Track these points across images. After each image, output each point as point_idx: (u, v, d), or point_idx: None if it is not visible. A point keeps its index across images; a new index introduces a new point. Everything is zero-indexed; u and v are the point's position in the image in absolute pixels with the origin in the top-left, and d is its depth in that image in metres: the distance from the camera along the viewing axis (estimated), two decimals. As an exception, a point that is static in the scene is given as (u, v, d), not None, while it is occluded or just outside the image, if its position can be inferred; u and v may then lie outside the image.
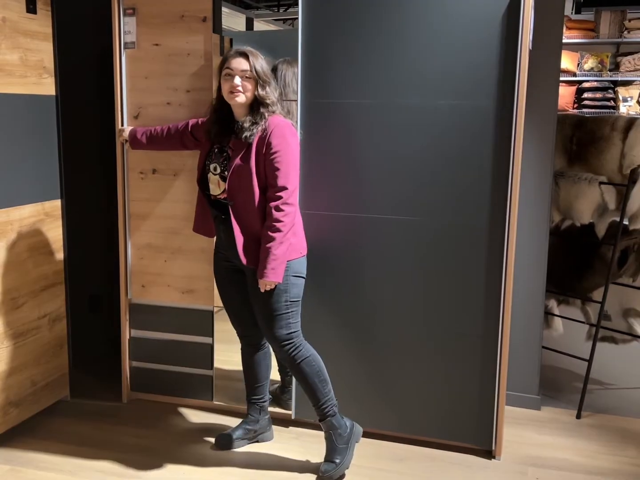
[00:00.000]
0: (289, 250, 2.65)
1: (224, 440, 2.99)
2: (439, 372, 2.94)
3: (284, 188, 2.59)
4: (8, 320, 2.94)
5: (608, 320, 3.71)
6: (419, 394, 2.98)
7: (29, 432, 3.08)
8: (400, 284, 2.91)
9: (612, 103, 6.24)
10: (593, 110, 6.17)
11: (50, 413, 3.25)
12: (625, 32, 6.10)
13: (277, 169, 2.59)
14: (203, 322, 3.25)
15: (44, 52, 3.04)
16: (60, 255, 3.23)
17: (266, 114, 2.63)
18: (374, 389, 3.01)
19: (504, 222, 2.77)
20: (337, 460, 2.75)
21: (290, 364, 2.79)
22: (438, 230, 2.84)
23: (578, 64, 6.29)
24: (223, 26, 3.18)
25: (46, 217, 3.13)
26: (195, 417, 3.25)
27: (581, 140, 3.55)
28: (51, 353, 3.22)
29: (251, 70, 2.61)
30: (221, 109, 2.72)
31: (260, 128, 2.61)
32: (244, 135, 2.62)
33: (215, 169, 2.72)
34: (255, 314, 2.81)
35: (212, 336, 3.25)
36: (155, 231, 3.26)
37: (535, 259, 3.30)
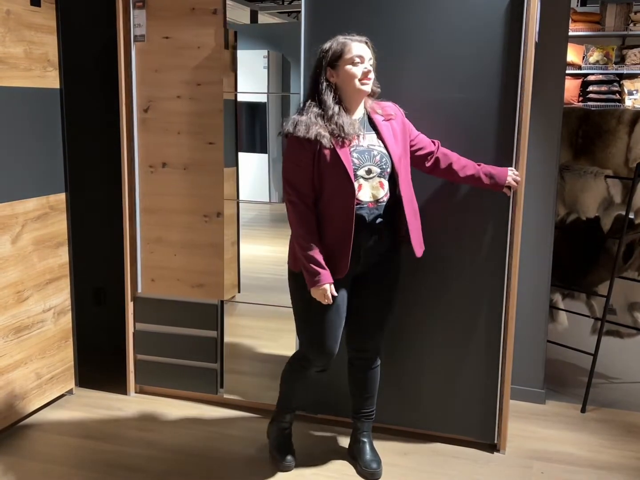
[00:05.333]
0: None
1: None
2: (443, 366, 2.94)
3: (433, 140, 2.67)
4: (13, 314, 2.94)
5: (613, 314, 3.71)
6: (423, 388, 2.98)
7: (34, 425, 3.09)
8: (403, 278, 2.89)
9: (617, 96, 6.20)
10: (598, 103, 6.13)
11: (56, 406, 3.26)
12: (631, 25, 6.05)
13: (420, 133, 2.65)
14: (209, 315, 3.25)
15: (48, 45, 3.03)
16: (65, 248, 3.23)
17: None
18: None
19: (508, 217, 2.76)
20: (379, 459, 2.78)
21: (370, 367, 2.74)
22: (443, 224, 2.84)
23: (583, 57, 6.25)
24: (227, 19, 3.16)
25: (51, 210, 3.12)
26: (201, 410, 3.27)
27: (587, 133, 3.54)
28: (56, 346, 3.22)
29: (374, 60, 2.48)
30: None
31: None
32: (385, 115, 2.53)
33: (369, 172, 2.46)
34: (372, 319, 2.66)
35: (218, 329, 3.25)
36: (165, 225, 3.24)
37: (541, 253, 3.29)
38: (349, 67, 2.42)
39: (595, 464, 2.86)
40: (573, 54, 6.11)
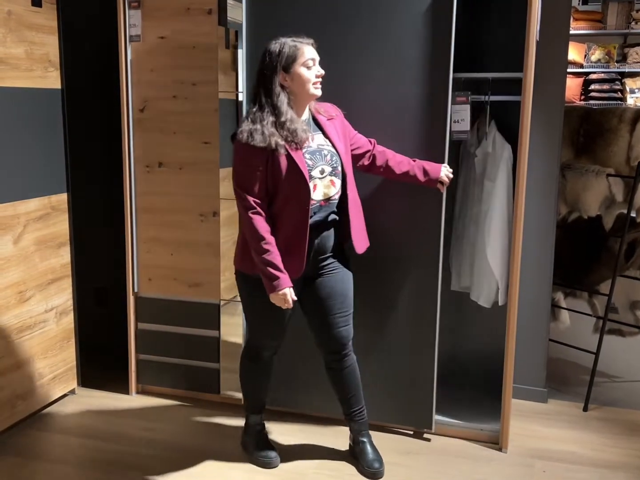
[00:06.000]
0: None
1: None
2: (380, 358, 2.94)
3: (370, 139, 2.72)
4: (15, 314, 2.95)
5: (615, 312, 3.70)
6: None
7: (37, 424, 3.10)
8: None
9: (619, 95, 6.19)
10: (600, 102, 6.12)
11: (58, 406, 3.27)
12: (633, 23, 6.04)
13: (357, 132, 2.70)
14: (209, 315, 3.25)
15: (50, 45, 3.04)
16: (67, 248, 3.24)
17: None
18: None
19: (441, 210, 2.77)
20: (381, 458, 2.77)
21: (347, 366, 2.70)
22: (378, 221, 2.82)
23: (585, 56, 6.24)
24: (228, 18, 3.16)
25: (52, 210, 3.13)
26: (202, 410, 3.27)
27: (588, 132, 3.53)
28: (58, 346, 3.23)
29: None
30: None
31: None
32: (328, 115, 2.56)
33: (322, 172, 2.46)
34: (339, 319, 2.63)
35: (219, 329, 3.25)
36: (161, 224, 3.25)
37: (542, 252, 3.29)
38: (303, 70, 2.40)
39: (598, 463, 2.86)
40: (575, 53, 6.11)
